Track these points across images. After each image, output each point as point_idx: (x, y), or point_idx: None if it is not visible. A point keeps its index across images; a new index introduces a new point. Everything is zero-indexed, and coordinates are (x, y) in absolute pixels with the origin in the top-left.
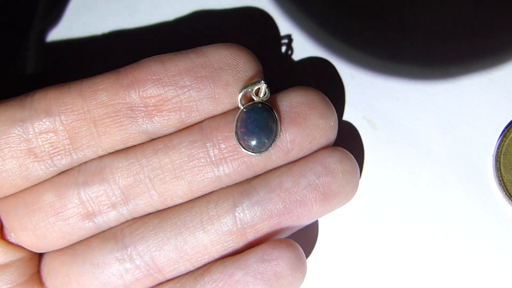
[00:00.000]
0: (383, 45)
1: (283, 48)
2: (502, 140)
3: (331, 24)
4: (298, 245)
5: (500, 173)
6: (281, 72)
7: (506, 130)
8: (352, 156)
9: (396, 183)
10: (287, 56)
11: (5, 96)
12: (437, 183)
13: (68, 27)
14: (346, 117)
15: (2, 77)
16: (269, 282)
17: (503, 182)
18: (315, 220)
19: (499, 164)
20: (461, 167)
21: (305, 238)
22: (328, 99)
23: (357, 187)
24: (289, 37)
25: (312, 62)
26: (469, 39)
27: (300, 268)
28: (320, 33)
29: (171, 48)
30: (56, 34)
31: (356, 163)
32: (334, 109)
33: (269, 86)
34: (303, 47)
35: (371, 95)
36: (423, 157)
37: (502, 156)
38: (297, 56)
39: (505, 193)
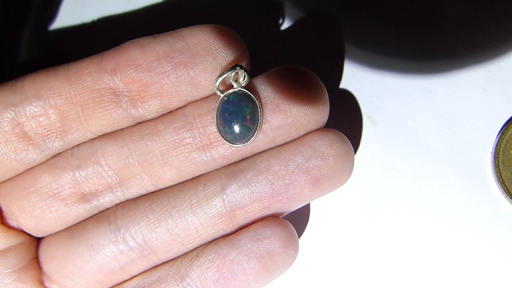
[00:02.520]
0: (384, 42)
1: (284, 46)
2: (500, 137)
3: (332, 22)
4: (289, 223)
5: (499, 169)
6: (278, 58)
7: (505, 127)
8: (345, 138)
9: (395, 179)
10: (286, 54)
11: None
12: (436, 179)
13: (67, 13)
14: (346, 113)
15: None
16: (263, 260)
17: (502, 179)
18: (308, 202)
19: (498, 161)
20: (459, 164)
21: (297, 227)
22: (318, 80)
23: (351, 170)
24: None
25: (313, 58)
26: (469, 35)
27: (292, 245)
28: (320, 31)
29: (159, 28)
30: (54, 20)
31: (350, 145)
32: (324, 91)
33: (258, 70)
34: (304, 45)
35: (371, 92)
36: (422, 153)
37: (500, 153)
38: (297, 54)
39: (503, 190)
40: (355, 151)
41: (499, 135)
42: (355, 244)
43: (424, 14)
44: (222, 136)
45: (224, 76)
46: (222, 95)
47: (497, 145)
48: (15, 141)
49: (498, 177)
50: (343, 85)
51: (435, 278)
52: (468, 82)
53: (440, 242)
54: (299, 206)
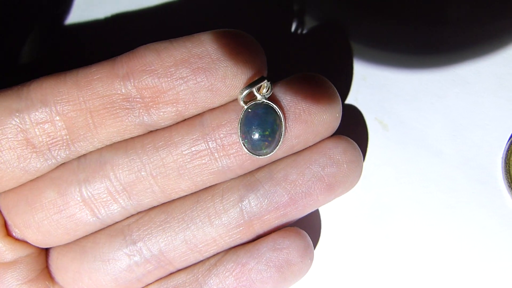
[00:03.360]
0: (395, 47)
1: (294, 51)
2: (511, 143)
3: (342, 26)
4: (306, 233)
5: (509, 175)
6: (289, 61)
7: None
8: (355, 144)
9: (406, 183)
10: (298, 57)
11: (10, 83)
12: (447, 184)
13: (78, 13)
14: (357, 118)
15: (9, 65)
16: (281, 270)
17: None
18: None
19: (508, 167)
20: (470, 169)
21: (311, 234)
22: (333, 87)
23: (360, 174)
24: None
25: (324, 63)
26: (481, 39)
27: (309, 255)
28: (331, 36)
29: (173, 31)
30: (65, 19)
31: (360, 151)
32: (339, 98)
33: (271, 74)
34: (314, 50)
35: (382, 97)
36: (433, 158)
37: (511, 158)
38: (307, 58)
39: None
40: (366, 155)
41: (510, 140)
42: (366, 248)
43: (435, 19)
44: (245, 147)
45: (250, 88)
46: (245, 106)
47: (507, 151)
48: (18, 148)
49: (509, 182)
50: (354, 89)
51: (445, 283)
52: (479, 88)
53: (450, 247)
54: (311, 211)
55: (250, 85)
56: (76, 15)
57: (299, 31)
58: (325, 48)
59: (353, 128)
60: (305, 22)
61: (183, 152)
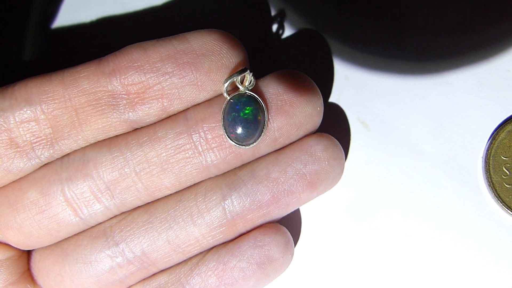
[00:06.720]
0: (378, 48)
1: (277, 47)
2: (491, 143)
3: (325, 23)
4: (286, 229)
5: (489, 174)
6: (271, 61)
7: (495, 133)
8: (337, 141)
9: (388, 183)
10: (280, 55)
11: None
12: (428, 183)
13: (66, 16)
14: (340, 118)
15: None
16: (263, 266)
17: (492, 183)
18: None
19: (489, 166)
20: (451, 168)
21: (292, 233)
22: (314, 83)
23: (342, 171)
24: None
25: (306, 63)
26: (461, 39)
27: (289, 250)
28: (314, 32)
29: (158, 34)
30: (55, 22)
31: (341, 148)
32: (320, 93)
33: (254, 74)
34: (296, 46)
35: (364, 97)
36: (415, 158)
37: (491, 158)
38: (291, 53)
39: (494, 194)
40: (348, 155)
41: (490, 140)
42: (347, 248)
43: (417, 23)
44: (229, 137)
45: (233, 78)
46: (228, 97)
47: (487, 150)
48: (2, 147)
49: (489, 182)
50: (336, 89)
51: (426, 281)
52: (460, 88)
53: (431, 245)
54: (294, 209)
55: (233, 75)
56: (63, 18)
57: (281, 31)
58: (308, 48)
59: (335, 128)
60: (288, 22)
61: (167, 146)
